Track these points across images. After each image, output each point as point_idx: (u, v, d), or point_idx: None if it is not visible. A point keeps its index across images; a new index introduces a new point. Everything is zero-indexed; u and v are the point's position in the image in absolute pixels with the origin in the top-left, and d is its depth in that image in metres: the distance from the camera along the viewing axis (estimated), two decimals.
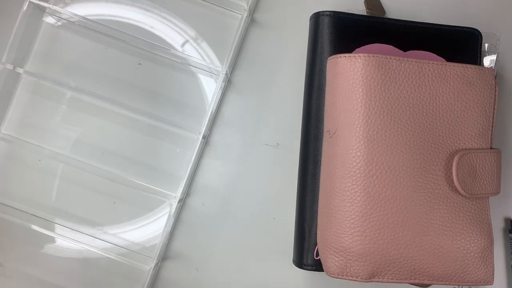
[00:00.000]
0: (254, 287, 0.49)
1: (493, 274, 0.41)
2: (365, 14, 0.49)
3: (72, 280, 0.49)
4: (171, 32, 0.51)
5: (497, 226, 0.51)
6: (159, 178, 0.50)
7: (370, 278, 0.39)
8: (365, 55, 0.39)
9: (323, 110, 0.44)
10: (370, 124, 0.39)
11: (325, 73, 0.44)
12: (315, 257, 0.44)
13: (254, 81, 0.51)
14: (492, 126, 0.42)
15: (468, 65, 0.41)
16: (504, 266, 0.50)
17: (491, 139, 0.42)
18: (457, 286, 0.49)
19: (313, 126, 0.45)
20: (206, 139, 0.50)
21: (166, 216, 0.49)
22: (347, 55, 0.40)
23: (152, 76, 0.50)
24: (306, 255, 0.45)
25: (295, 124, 0.49)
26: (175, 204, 0.47)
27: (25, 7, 0.47)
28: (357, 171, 0.39)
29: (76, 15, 0.48)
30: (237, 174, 0.50)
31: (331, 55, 0.43)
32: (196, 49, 0.51)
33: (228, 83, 0.51)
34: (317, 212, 0.44)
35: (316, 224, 0.43)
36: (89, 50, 0.50)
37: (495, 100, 0.42)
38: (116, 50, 0.50)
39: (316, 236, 0.43)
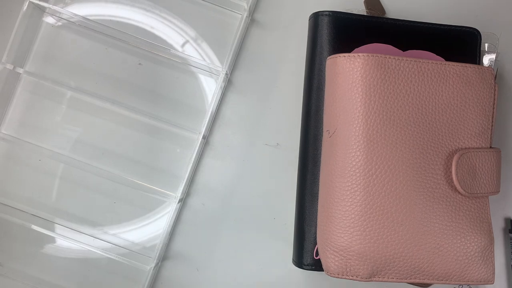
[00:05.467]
0: (254, 287, 0.49)
1: (493, 273, 0.41)
2: (365, 14, 0.49)
3: (72, 280, 0.49)
4: (171, 32, 0.51)
5: (497, 226, 0.50)
6: (159, 178, 0.50)
7: (370, 277, 0.39)
8: (364, 54, 0.39)
9: (323, 110, 0.44)
10: (370, 123, 0.39)
11: (324, 73, 0.44)
12: (314, 257, 0.44)
13: (254, 81, 0.51)
14: (492, 125, 0.42)
15: (467, 64, 0.41)
16: (504, 265, 0.50)
17: (490, 138, 0.42)
18: (458, 285, 0.49)
19: (312, 125, 0.45)
20: (206, 139, 0.50)
21: (166, 216, 0.49)
22: (346, 54, 0.40)
23: (152, 76, 0.50)
24: (305, 254, 0.45)
25: (295, 124, 0.49)
26: (175, 204, 0.47)
27: (25, 7, 0.47)
28: (357, 170, 0.39)
29: (76, 15, 0.48)
30: (237, 174, 0.50)
31: (330, 55, 0.43)
32: (196, 49, 0.51)
33: (228, 83, 0.51)
34: (316, 212, 0.44)
35: (316, 224, 0.44)
36: (89, 50, 0.50)
37: (494, 99, 0.42)
38: (116, 50, 0.50)
39: (315, 236, 0.43)
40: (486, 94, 0.42)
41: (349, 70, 0.40)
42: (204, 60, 0.50)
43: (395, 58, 0.40)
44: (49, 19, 0.51)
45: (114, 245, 0.49)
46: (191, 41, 0.51)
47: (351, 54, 0.40)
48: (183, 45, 0.51)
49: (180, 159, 0.50)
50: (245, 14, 0.48)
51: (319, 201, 0.42)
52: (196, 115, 0.50)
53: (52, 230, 0.48)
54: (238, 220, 0.50)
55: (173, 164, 0.50)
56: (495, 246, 0.49)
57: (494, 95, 0.42)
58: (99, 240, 0.49)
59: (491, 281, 0.41)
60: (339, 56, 0.40)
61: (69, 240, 0.48)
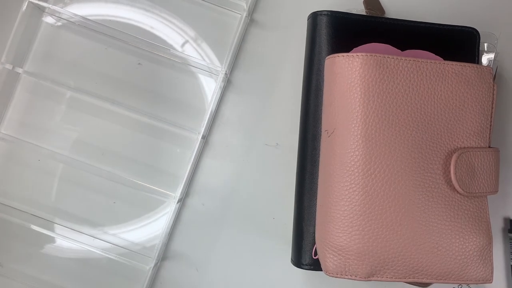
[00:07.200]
0: (253, 286, 0.49)
1: (492, 273, 0.41)
2: (364, 13, 0.49)
3: (72, 280, 0.49)
4: (171, 32, 0.51)
5: (497, 226, 0.50)
6: (158, 178, 0.50)
7: (368, 277, 0.39)
8: (363, 54, 0.39)
9: (321, 109, 0.44)
10: (368, 123, 0.39)
11: (323, 73, 0.44)
12: (313, 257, 0.44)
13: (253, 81, 0.51)
14: (491, 125, 0.42)
15: (466, 64, 0.41)
16: (503, 265, 0.50)
17: (489, 137, 0.42)
18: (457, 284, 0.49)
19: (311, 125, 0.45)
20: (206, 139, 0.50)
21: (166, 216, 0.49)
22: (345, 54, 0.40)
23: (152, 76, 0.50)
24: (304, 254, 0.45)
25: (294, 124, 0.49)
26: (174, 204, 0.47)
27: (24, 7, 0.47)
28: (355, 170, 0.39)
29: (75, 15, 0.48)
30: (237, 174, 0.50)
31: (329, 55, 0.43)
32: (196, 49, 0.51)
33: (227, 83, 0.51)
34: (315, 212, 0.44)
35: (314, 224, 0.43)
36: (89, 50, 0.50)
37: (493, 98, 0.42)
38: (116, 50, 0.50)
39: (314, 236, 0.43)
40: (485, 93, 0.42)
41: (347, 70, 0.40)
42: (204, 60, 0.50)
43: (394, 58, 0.40)
44: (49, 19, 0.51)
45: (113, 245, 0.49)
46: (190, 41, 0.51)
47: (349, 54, 0.40)
48: (182, 45, 0.51)
49: (180, 159, 0.50)
50: (244, 14, 0.48)
51: (317, 200, 0.42)
52: (196, 115, 0.50)
53: (52, 230, 0.49)
54: (237, 220, 0.50)
55: (173, 164, 0.50)
56: (494, 246, 0.49)
57: (493, 94, 0.42)
58: (98, 240, 0.49)
59: (489, 280, 0.41)
60: (338, 56, 0.40)
61: (68, 240, 0.48)
